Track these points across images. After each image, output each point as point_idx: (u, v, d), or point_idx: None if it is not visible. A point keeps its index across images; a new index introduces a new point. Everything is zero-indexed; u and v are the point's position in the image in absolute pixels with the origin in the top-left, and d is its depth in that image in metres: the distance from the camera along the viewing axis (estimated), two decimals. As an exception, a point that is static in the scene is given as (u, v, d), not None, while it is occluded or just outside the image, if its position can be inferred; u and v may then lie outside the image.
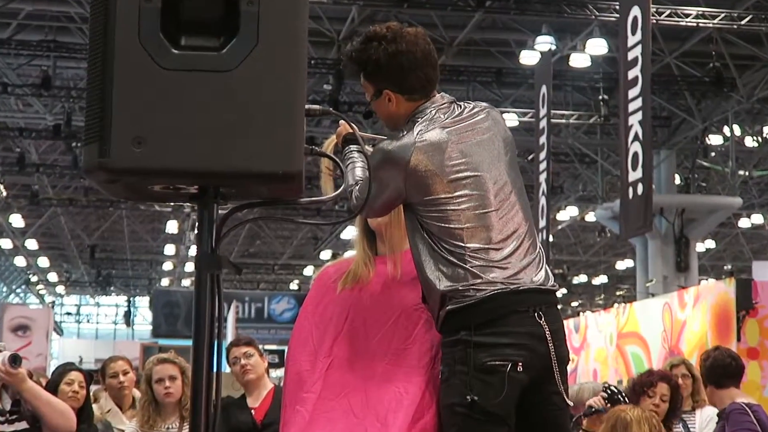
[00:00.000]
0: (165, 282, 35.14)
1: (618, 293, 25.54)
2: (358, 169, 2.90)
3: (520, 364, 2.70)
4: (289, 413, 2.91)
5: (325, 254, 25.83)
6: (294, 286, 33.66)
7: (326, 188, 3.09)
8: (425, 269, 2.79)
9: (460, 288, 2.73)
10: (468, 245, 2.75)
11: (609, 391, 4.64)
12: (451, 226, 2.76)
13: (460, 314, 2.73)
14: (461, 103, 2.95)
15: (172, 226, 24.82)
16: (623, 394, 4.66)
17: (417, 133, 2.80)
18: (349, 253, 3.30)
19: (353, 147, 2.95)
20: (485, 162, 2.83)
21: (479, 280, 2.73)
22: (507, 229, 2.80)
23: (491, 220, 2.79)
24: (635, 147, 10.38)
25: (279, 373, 13.11)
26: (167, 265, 32.24)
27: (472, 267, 2.74)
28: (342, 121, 2.99)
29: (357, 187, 2.85)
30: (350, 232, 16.42)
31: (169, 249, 28.77)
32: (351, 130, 2.94)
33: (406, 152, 2.77)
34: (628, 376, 10.93)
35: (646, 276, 17.63)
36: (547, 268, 2.89)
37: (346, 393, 2.87)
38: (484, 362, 2.69)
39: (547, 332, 2.75)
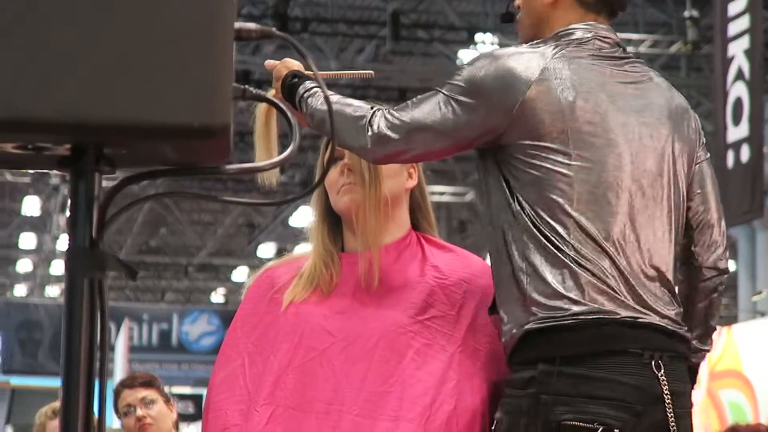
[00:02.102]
0: (20, 291, 35.10)
1: (711, 311, 25.64)
2: (348, 100, 2.87)
3: (617, 431, 2.68)
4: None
5: (266, 249, 25.85)
6: (218, 297, 33.67)
7: (263, 149, 3.09)
8: (513, 254, 2.76)
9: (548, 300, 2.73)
10: (571, 237, 2.72)
11: None
12: (553, 196, 2.73)
13: (543, 338, 2.71)
14: (630, 53, 2.99)
15: (30, 206, 24.73)
16: None
17: (553, 53, 2.82)
18: (302, 248, 3.32)
19: (309, 83, 2.94)
20: (629, 131, 2.83)
21: (580, 293, 2.71)
22: (641, 233, 2.79)
23: (616, 209, 2.76)
24: (738, 90, 10.44)
25: (195, 428, 13.12)
26: (24, 265, 32.20)
27: (573, 272, 2.71)
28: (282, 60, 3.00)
29: (385, 113, 2.80)
30: (303, 217, 16.35)
31: (27, 240, 28.69)
32: (306, 66, 2.94)
33: (530, 72, 2.77)
34: (723, 437, 11.03)
35: (754, 286, 17.72)
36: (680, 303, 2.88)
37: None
38: (561, 420, 2.67)
39: (665, 392, 2.72)
